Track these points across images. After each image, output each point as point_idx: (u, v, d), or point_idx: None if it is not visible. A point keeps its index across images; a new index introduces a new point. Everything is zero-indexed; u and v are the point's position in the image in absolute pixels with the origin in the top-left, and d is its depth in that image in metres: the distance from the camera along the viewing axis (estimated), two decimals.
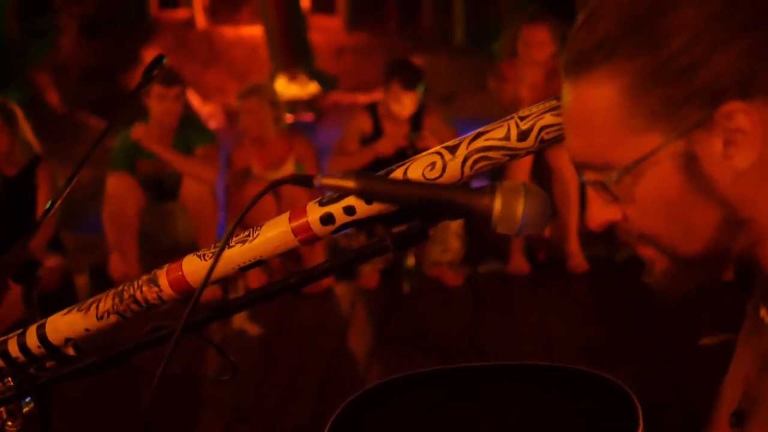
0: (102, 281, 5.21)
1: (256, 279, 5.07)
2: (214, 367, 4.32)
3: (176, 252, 5.06)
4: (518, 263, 5.29)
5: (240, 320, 4.58)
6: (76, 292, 5.07)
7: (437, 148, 1.17)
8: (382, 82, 5.29)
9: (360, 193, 1.07)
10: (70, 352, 1.42)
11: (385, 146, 5.05)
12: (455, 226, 5.13)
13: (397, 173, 1.16)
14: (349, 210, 1.17)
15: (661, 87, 0.90)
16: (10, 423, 1.49)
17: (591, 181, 1.00)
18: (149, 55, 13.18)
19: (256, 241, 1.26)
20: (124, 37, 13.39)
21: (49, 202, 1.86)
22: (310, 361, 4.28)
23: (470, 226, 5.25)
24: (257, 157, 5.35)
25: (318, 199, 1.21)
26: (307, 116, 11.95)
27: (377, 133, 5.24)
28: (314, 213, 1.20)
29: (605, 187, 0.97)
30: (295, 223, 1.22)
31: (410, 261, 4.99)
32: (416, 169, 1.16)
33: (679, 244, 0.96)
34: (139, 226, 5.19)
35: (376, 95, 11.23)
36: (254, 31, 13.93)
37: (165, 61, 2.59)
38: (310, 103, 12.28)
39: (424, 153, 1.17)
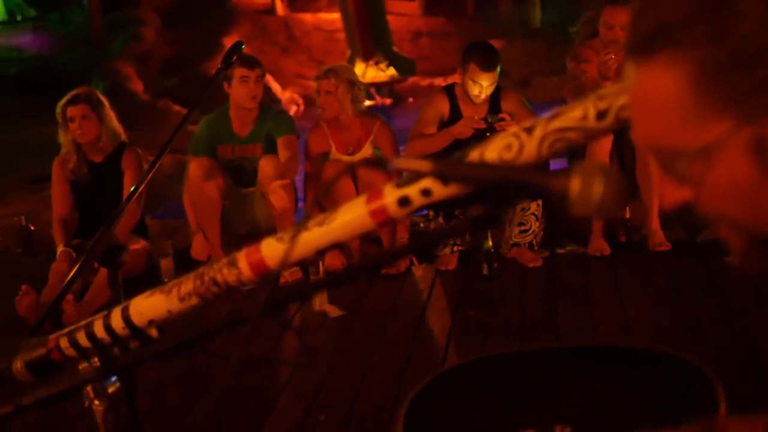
0: (186, 265, 5.30)
1: (334, 260, 5.11)
2: (294, 350, 4.37)
3: (256, 237, 5.08)
4: (598, 245, 5.24)
5: (320, 302, 4.62)
6: (161, 275, 5.17)
7: (514, 129, 1.16)
8: (459, 64, 5.26)
9: (436, 175, 1.07)
10: (153, 333, 1.44)
11: (462, 129, 5.01)
12: (534, 208, 5.11)
13: (474, 155, 1.16)
14: (426, 192, 1.17)
15: (730, 75, 0.87)
16: (97, 402, 1.53)
17: (659, 164, 0.98)
18: (229, 43, 13.34)
19: (333, 224, 1.27)
20: (204, 26, 13.57)
21: (133, 187, 1.91)
22: (388, 342, 4.29)
23: (549, 209, 5.22)
24: (335, 140, 5.38)
25: (394, 182, 1.21)
26: (385, 101, 11.96)
27: (455, 115, 5.20)
28: (391, 195, 1.20)
29: (674, 170, 0.95)
30: (372, 206, 1.22)
31: (489, 243, 4.97)
32: (493, 151, 1.15)
33: (753, 224, 0.95)
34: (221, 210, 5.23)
35: (453, 79, 11.23)
36: (332, 17, 13.99)
37: (243, 47, 2.64)
38: (387, 88, 12.29)
39: (500, 134, 1.16)
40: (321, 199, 5.28)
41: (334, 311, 4.59)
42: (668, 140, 0.93)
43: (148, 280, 5.05)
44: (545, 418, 1.62)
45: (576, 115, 1.12)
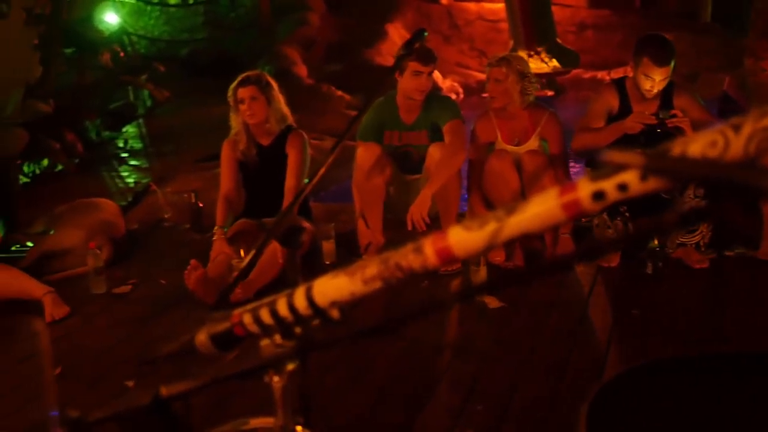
0: (346, 248, 5.38)
1: (495, 253, 5.09)
2: (454, 337, 4.38)
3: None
4: None
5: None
6: (323, 257, 5.26)
7: (719, 126, 1.12)
8: (625, 58, 5.15)
9: (649, 169, 1.04)
10: (335, 314, 1.46)
11: (632, 124, 4.89)
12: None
13: (676, 150, 1.13)
14: (623, 187, 1.15)
15: None
16: (276, 378, 1.57)
17: None
18: (393, 30, 13.47)
19: (524, 215, 1.26)
20: (369, 13, 13.69)
21: (307, 180, 1.95)
22: (548, 337, 4.25)
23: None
24: (501, 129, 5.34)
25: (590, 175, 1.19)
26: (547, 92, 11.81)
27: (624, 110, 5.08)
28: (585, 189, 1.18)
29: None
30: (564, 199, 1.20)
31: (654, 241, 4.84)
32: (696, 147, 1.12)
33: None
34: (385, 196, 5.28)
35: (617, 72, 10.97)
36: (496, 7, 13.90)
37: (426, 35, 2.65)
38: (550, 80, 12.13)
39: (705, 131, 1.12)
40: (484, 188, 5.26)
41: (493, 302, 4.58)
42: None
43: (309, 261, 5.15)
44: (729, 427, 1.58)
45: None
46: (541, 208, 1.24)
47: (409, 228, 4.95)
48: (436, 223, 5.02)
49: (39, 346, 4.56)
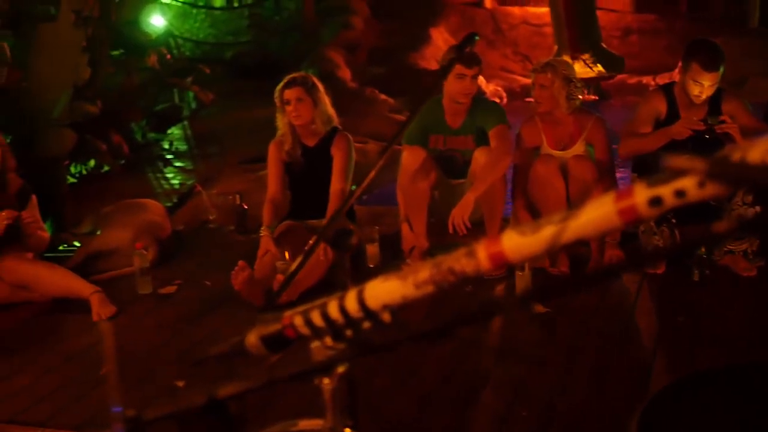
0: (390, 251, 5.38)
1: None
2: (497, 342, 4.36)
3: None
4: None
5: None
6: (367, 260, 5.26)
7: None
8: (671, 63, 5.11)
9: (711, 175, 1.03)
10: (386, 318, 1.47)
11: (680, 129, 4.83)
12: (752, 215, 4.89)
13: (735, 157, 1.12)
14: (680, 193, 1.14)
15: None
16: (326, 381, 1.57)
17: None
18: (436, 34, 13.47)
19: (578, 220, 1.25)
20: (412, 17, 13.69)
21: (354, 186, 1.95)
22: (592, 342, 4.22)
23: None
24: (547, 134, 5.31)
25: (646, 181, 1.18)
26: (590, 97, 11.75)
27: (672, 115, 5.03)
28: (642, 194, 1.17)
29: None
30: (620, 204, 1.20)
31: (701, 248, 4.79)
32: (756, 154, 1.10)
33: None
34: (429, 200, 5.26)
35: (662, 77, 10.84)
36: (540, 11, 13.86)
37: (477, 39, 2.64)
38: (594, 84, 12.06)
39: (765, 138, 1.11)
40: (529, 193, 5.24)
41: (538, 307, 4.56)
42: None
43: (354, 264, 5.15)
44: None
45: None
46: (597, 214, 1.24)
47: (450, 230, 4.94)
48: (478, 228, 5.01)
49: (102, 344, 4.61)
